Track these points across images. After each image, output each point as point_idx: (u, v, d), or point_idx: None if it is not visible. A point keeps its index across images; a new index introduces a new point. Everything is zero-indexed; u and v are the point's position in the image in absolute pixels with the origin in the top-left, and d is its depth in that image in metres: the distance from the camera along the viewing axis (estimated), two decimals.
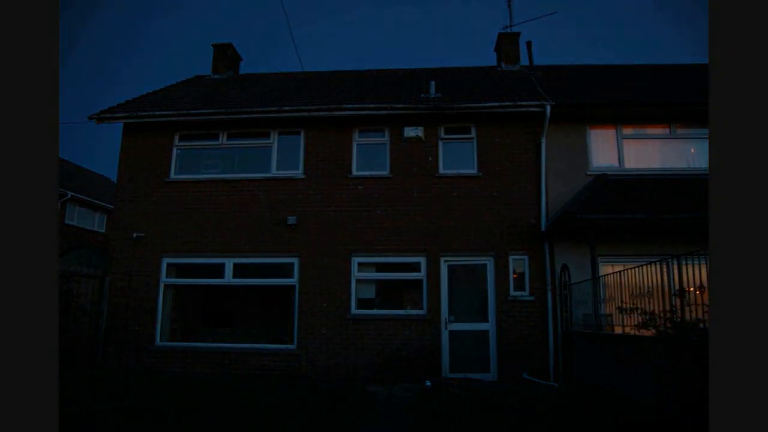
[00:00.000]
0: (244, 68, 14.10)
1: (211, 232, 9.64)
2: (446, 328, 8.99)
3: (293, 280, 9.43)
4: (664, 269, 5.79)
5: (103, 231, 21.16)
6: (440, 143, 9.71)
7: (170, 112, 9.98)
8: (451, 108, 9.49)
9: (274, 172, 9.86)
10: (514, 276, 9.11)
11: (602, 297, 7.87)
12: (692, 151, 9.59)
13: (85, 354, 9.09)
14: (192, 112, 9.85)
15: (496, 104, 9.43)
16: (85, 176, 23.31)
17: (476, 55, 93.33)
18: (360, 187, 9.61)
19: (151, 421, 5.37)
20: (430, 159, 9.61)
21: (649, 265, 6.01)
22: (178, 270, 9.83)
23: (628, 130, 9.64)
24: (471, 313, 9.06)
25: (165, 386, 7.45)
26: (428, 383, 8.13)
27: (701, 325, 4.69)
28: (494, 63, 13.26)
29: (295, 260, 9.47)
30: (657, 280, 5.88)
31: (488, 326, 8.97)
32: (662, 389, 5.12)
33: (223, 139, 10.15)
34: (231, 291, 9.70)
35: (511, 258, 9.12)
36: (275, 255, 9.53)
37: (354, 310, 9.20)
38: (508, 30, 13.10)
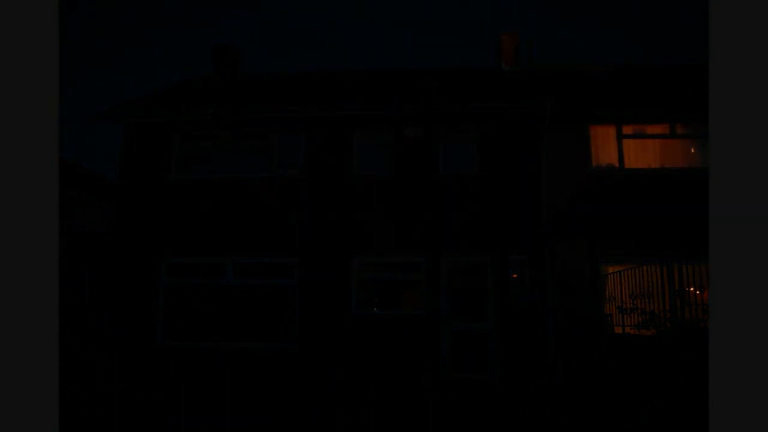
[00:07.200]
0: (245, 68, 14.11)
1: (212, 232, 9.64)
2: (446, 328, 8.99)
3: (294, 280, 9.43)
4: (664, 269, 5.79)
5: (103, 231, 21.13)
6: (440, 143, 9.70)
7: (170, 112, 9.99)
8: (451, 108, 9.48)
9: (274, 172, 9.86)
10: (514, 276, 9.10)
11: (602, 297, 7.89)
12: (692, 150, 9.59)
13: (85, 355, 9.10)
14: (192, 112, 9.83)
15: (497, 104, 9.42)
16: (85, 176, 23.29)
17: (476, 55, 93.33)
18: (360, 187, 9.60)
19: None
20: (431, 159, 9.61)
21: (649, 266, 6.02)
22: (178, 270, 9.82)
23: (628, 130, 9.63)
24: (471, 313, 9.06)
25: None
26: (428, 383, 8.13)
27: (701, 325, 4.70)
28: (495, 63, 13.27)
29: (295, 260, 9.47)
30: (657, 280, 5.88)
31: (488, 326, 8.97)
32: (662, 389, 5.12)
33: (223, 139, 10.14)
34: (231, 291, 9.69)
35: (511, 258, 9.12)
36: (275, 255, 9.53)
37: (354, 310, 9.20)
38: (509, 30, 13.11)
